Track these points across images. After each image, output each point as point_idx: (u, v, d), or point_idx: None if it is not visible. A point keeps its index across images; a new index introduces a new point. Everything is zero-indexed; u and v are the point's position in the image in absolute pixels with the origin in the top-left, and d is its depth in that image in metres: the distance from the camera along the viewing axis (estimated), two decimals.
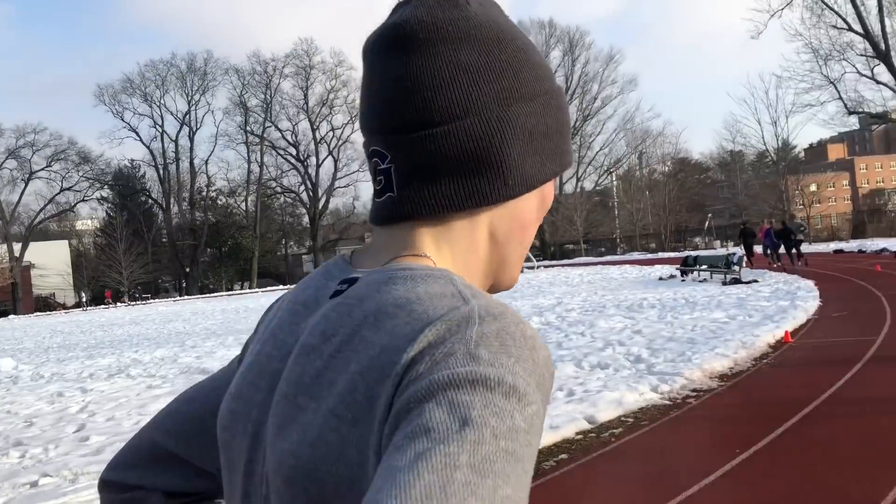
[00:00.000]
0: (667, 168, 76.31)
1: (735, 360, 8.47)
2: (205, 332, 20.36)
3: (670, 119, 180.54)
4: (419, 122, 0.68)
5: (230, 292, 66.50)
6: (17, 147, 68.42)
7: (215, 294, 64.90)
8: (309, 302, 0.72)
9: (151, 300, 64.58)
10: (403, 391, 0.56)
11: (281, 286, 67.92)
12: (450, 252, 0.72)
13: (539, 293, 22.28)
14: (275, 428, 0.64)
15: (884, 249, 28.13)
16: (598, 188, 77.24)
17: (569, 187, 72.31)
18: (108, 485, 0.88)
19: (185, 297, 66.16)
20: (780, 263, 24.88)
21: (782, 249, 25.08)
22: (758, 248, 27.52)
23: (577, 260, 54.98)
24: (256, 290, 66.13)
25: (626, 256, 52.85)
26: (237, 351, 14.21)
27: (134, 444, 0.89)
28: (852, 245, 36.00)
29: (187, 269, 74.85)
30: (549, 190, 0.77)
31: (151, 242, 72.37)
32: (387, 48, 0.71)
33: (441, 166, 0.69)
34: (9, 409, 9.92)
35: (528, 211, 0.75)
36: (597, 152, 75.33)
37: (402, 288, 0.65)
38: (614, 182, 74.88)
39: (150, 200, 79.70)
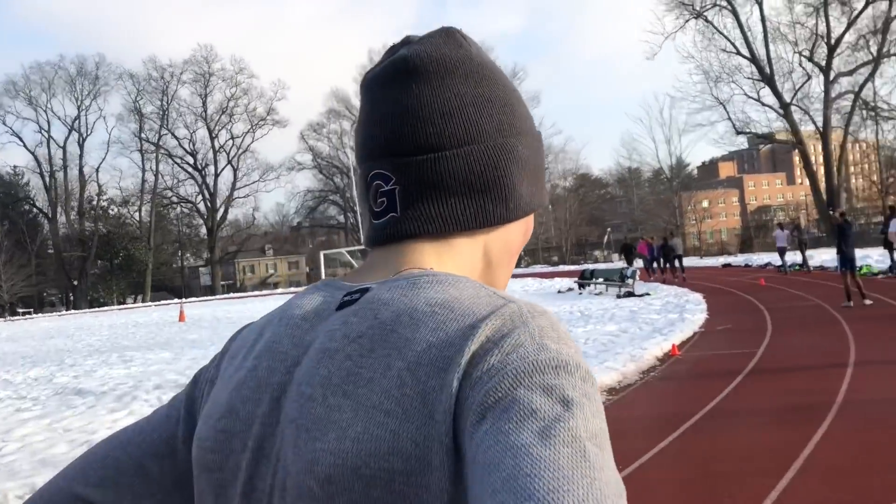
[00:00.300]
0: (568, 183, 78.27)
1: (623, 373, 8.56)
2: (87, 350, 19.23)
3: (571, 136, 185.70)
4: (428, 146, 0.72)
5: (122, 306, 63.70)
6: None
7: (105, 308, 61.97)
8: (308, 316, 0.72)
9: (34, 315, 61.04)
10: (478, 383, 0.57)
11: (176, 299, 65.61)
12: (453, 269, 0.74)
13: None
14: (301, 431, 0.62)
15: (768, 264, 29.39)
16: None
17: None
18: None
19: (73, 311, 62.98)
20: (660, 276, 26.04)
21: (662, 263, 26.59)
22: (638, 262, 29.21)
23: None
24: (150, 303, 63.59)
25: (530, 269, 53.68)
26: (121, 370, 13.44)
27: (43, 500, 0.78)
28: (740, 259, 37.56)
29: (75, 282, 71.36)
30: (531, 221, 0.81)
31: (35, 254, 68.67)
32: (395, 78, 0.74)
33: (448, 186, 0.72)
34: None
35: (515, 238, 0.79)
36: None
37: (431, 290, 0.66)
38: None
39: (34, 209, 75.65)
